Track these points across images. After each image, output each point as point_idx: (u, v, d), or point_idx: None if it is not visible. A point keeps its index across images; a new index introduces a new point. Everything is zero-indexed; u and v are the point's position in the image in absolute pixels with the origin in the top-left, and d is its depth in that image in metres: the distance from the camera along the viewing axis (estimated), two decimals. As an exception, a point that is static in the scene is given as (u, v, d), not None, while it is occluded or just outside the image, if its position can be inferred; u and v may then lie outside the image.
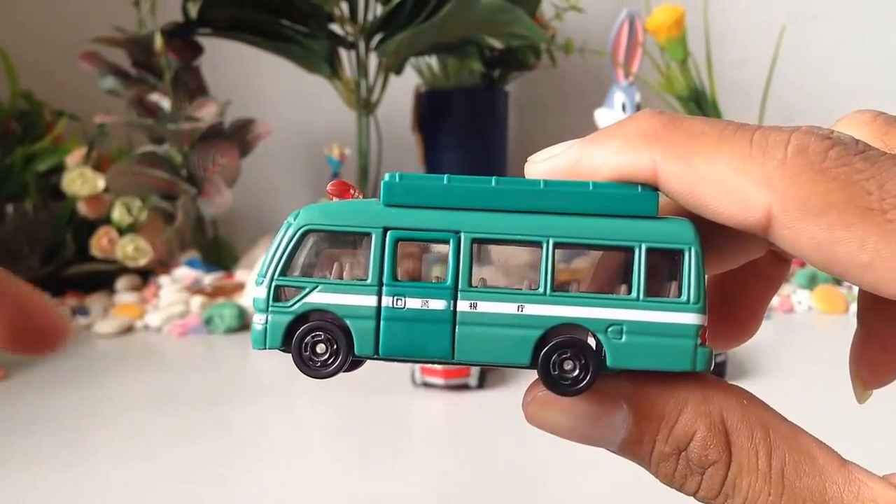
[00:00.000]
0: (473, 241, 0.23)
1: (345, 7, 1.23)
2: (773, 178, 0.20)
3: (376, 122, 1.29)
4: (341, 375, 0.24)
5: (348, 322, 0.23)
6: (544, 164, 0.24)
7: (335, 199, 0.24)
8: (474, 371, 0.75)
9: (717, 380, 0.23)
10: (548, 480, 0.60)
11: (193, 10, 1.17)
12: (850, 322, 0.29)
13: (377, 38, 1.24)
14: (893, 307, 0.27)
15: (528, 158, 0.25)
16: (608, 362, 0.23)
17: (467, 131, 1.34)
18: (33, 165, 1.14)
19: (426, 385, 0.76)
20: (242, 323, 0.96)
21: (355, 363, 0.24)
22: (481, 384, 0.76)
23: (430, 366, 0.75)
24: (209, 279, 1.12)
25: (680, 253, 0.23)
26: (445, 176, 0.23)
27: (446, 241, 0.23)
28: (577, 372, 0.22)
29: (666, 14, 1.15)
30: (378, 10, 1.22)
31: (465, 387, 0.76)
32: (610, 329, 0.23)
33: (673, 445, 0.22)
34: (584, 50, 1.26)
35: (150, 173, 1.12)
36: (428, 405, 0.75)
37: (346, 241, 0.24)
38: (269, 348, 0.23)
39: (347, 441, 0.69)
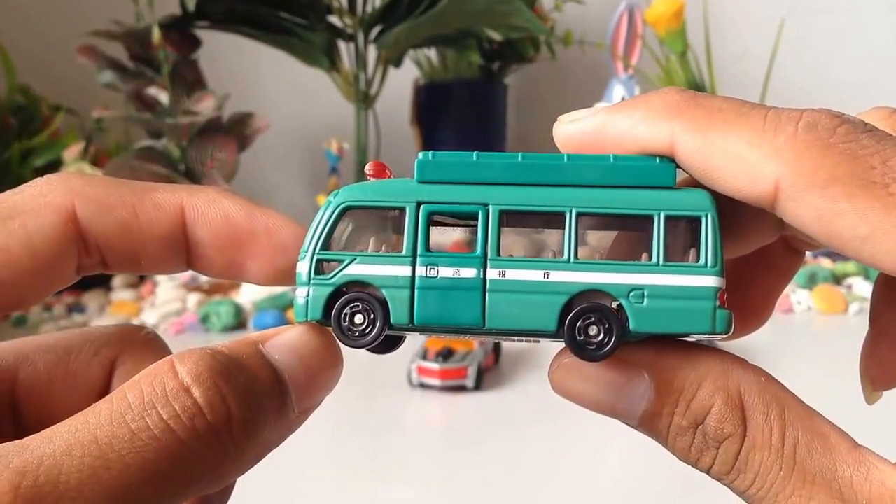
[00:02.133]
0: (501, 212, 0.24)
1: None
2: (783, 151, 0.21)
3: (375, 115, 1.28)
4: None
5: (384, 292, 0.24)
6: (571, 126, 0.25)
7: (373, 179, 0.26)
8: (471, 372, 0.75)
9: (737, 357, 0.24)
10: (544, 482, 0.60)
11: (191, 3, 1.17)
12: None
13: (376, 30, 1.24)
14: None
15: (558, 118, 0.26)
16: (631, 326, 0.23)
17: (466, 124, 1.33)
18: (31, 160, 1.13)
19: (423, 386, 0.75)
20: (239, 321, 0.96)
21: (391, 344, 0.26)
22: (478, 385, 0.75)
23: (426, 366, 0.74)
24: (206, 276, 1.11)
25: (697, 220, 0.24)
26: (475, 153, 0.24)
27: (475, 214, 0.24)
28: (601, 336, 0.23)
29: (665, 5, 1.14)
30: (377, 1, 1.22)
31: (461, 388, 0.75)
32: (632, 294, 0.23)
33: (690, 419, 0.23)
34: (583, 42, 1.26)
35: (148, 168, 1.12)
36: (424, 406, 0.74)
37: (382, 215, 0.25)
38: (311, 320, 0.24)
39: (343, 442, 0.68)
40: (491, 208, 0.24)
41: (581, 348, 0.23)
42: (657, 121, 0.23)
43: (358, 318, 0.24)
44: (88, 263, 0.27)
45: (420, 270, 0.24)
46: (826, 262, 1.16)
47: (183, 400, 0.21)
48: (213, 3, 1.18)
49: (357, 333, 0.24)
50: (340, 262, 0.24)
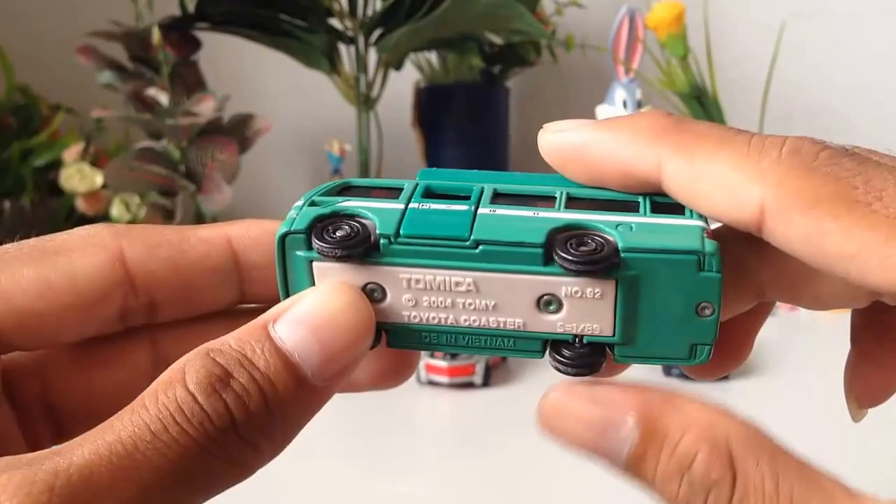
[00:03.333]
0: (495, 191, 0.25)
1: (344, 1, 1.22)
2: (767, 173, 0.22)
3: (376, 117, 1.28)
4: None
5: (374, 216, 0.25)
6: (556, 136, 0.26)
7: None
8: (479, 369, 0.75)
9: (723, 408, 0.23)
10: (554, 479, 0.59)
11: (191, 5, 1.17)
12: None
13: (377, 33, 1.23)
14: (885, 326, 0.28)
15: (543, 126, 0.26)
16: (621, 245, 0.23)
17: (468, 127, 1.33)
18: (30, 160, 1.13)
19: (431, 383, 0.76)
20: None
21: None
22: (486, 382, 0.76)
23: (434, 364, 0.74)
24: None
25: (681, 207, 0.24)
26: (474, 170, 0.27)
27: (469, 191, 0.25)
28: (592, 247, 0.23)
29: (666, 10, 1.14)
30: (378, 4, 1.22)
31: (469, 385, 0.75)
32: (620, 226, 0.24)
33: (675, 465, 0.22)
34: (584, 46, 1.26)
35: (149, 169, 1.11)
36: (433, 403, 0.75)
37: (379, 195, 0.26)
38: (294, 230, 0.24)
39: (351, 439, 0.68)
40: (486, 187, 0.26)
41: (571, 255, 0.23)
42: (644, 144, 0.24)
43: (341, 232, 0.24)
44: (135, 307, 0.27)
45: (412, 206, 0.25)
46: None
47: (191, 406, 0.22)
48: (213, 5, 1.18)
49: (338, 238, 0.24)
50: (335, 201, 0.25)
